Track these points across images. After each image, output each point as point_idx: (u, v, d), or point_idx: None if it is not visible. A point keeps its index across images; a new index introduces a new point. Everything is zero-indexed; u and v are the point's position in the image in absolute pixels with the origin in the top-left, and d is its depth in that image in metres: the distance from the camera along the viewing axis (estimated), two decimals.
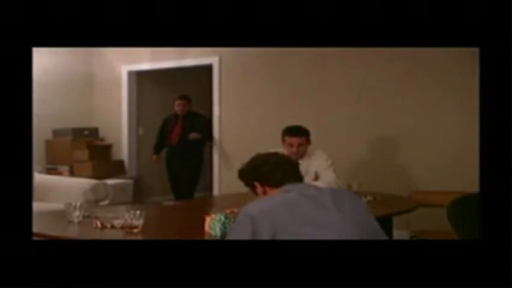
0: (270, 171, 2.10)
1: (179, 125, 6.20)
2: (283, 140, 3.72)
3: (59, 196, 4.80)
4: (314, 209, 1.89)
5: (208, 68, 6.39)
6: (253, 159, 2.22)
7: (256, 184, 2.14)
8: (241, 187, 3.47)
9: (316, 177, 3.65)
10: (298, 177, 2.13)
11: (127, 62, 7.02)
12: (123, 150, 7.15)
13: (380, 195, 3.63)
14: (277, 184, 2.07)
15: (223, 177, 6.22)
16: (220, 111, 6.25)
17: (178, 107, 6.23)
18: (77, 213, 2.68)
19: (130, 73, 7.08)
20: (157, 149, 6.46)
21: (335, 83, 5.43)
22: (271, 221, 1.83)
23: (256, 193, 2.16)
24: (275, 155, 2.24)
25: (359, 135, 5.24)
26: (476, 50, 2.01)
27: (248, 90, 6.05)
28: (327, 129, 5.20)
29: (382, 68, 5.12)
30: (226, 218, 2.39)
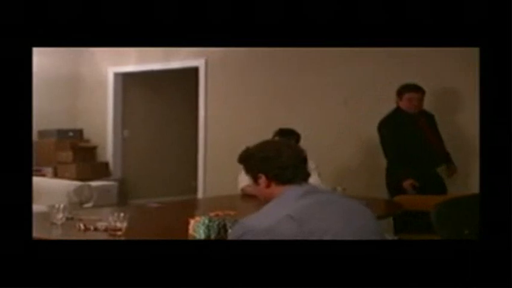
0: (281, 167, 1.88)
1: (430, 128, 4.18)
2: None
3: (42, 198, 4.73)
4: (318, 216, 1.78)
5: (194, 70, 6.33)
6: (263, 149, 1.95)
7: (261, 176, 1.90)
8: (225, 190, 3.45)
9: None
10: (306, 174, 1.95)
11: (113, 64, 6.98)
12: (108, 152, 7.12)
13: (364, 200, 3.63)
14: (284, 182, 1.87)
15: (208, 180, 6.19)
16: (205, 114, 6.21)
17: (412, 102, 4.07)
18: (60, 215, 2.65)
19: (116, 75, 7.05)
20: (407, 168, 4.00)
21: (322, 86, 5.37)
22: (274, 238, 1.69)
23: (257, 184, 1.92)
24: (287, 146, 2.01)
25: (346, 139, 5.18)
26: (476, 50, 2.01)
27: (234, 93, 6.01)
28: (314, 132, 5.12)
29: (370, 71, 5.06)
30: (210, 221, 2.37)
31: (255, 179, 1.92)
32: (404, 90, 4.09)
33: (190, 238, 2.38)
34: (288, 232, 1.68)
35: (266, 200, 1.90)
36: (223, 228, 2.38)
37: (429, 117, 4.21)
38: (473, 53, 2.18)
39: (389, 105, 4.88)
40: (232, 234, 1.87)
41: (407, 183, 3.92)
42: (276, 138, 3.75)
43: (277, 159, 1.89)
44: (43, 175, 6.48)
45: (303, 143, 3.96)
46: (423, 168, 3.99)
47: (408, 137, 4.01)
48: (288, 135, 3.78)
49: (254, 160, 1.93)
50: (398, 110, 4.13)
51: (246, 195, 3.63)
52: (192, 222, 2.42)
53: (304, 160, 1.97)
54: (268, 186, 1.89)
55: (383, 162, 4.95)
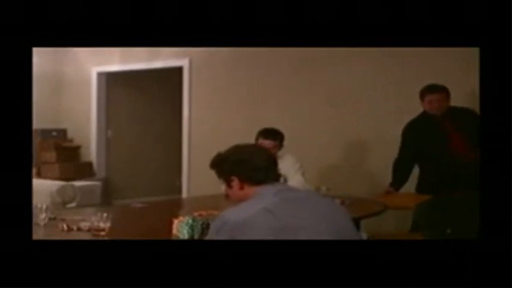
0: (254, 168, 1.94)
1: (454, 130, 3.88)
2: (256, 142, 3.77)
3: None
4: (295, 213, 1.82)
5: (178, 70, 6.30)
6: (235, 152, 2.02)
7: (234, 178, 1.96)
8: (210, 190, 3.42)
9: (285, 181, 3.68)
10: (277, 175, 2.01)
11: (96, 63, 6.95)
12: (92, 151, 7.10)
13: (348, 199, 3.65)
14: (257, 182, 1.93)
15: (192, 180, 6.18)
16: (190, 113, 6.20)
17: (432, 104, 3.90)
18: (43, 215, 2.62)
19: (99, 74, 7.02)
20: (403, 177, 4.08)
21: (307, 86, 5.35)
22: (252, 231, 1.73)
23: (230, 186, 1.98)
24: (258, 149, 2.13)
25: (332, 139, 5.16)
26: (476, 50, 2.01)
27: (218, 92, 5.99)
28: (299, 132, 5.11)
29: (354, 71, 5.03)
30: (194, 221, 2.36)
31: (228, 182, 1.99)
32: (424, 92, 3.93)
33: (173, 238, 2.37)
34: (265, 224, 1.74)
35: (241, 202, 1.94)
36: (206, 228, 2.36)
37: (461, 114, 3.89)
38: (473, 53, 2.17)
39: (376, 106, 4.90)
40: (212, 228, 1.91)
41: (387, 191, 4.01)
42: (260, 138, 3.78)
43: (250, 161, 1.95)
44: None
45: (288, 143, 3.98)
46: (441, 172, 3.82)
47: (427, 141, 3.89)
48: (272, 135, 3.80)
49: (227, 163, 1.99)
50: (423, 113, 3.98)
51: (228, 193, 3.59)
52: (175, 222, 2.41)
53: (274, 162, 2.04)
54: (241, 188, 1.96)
55: (368, 161, 4.97)
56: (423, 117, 3.95)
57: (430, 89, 3.91)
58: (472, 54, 2.26)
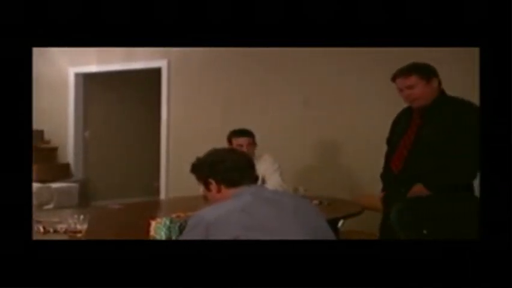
0: (227, 170, 2.00)
1: (413, 130, 2.94)
2: (231, 143, 3.76)
3: None
4: (269, 213, 1.85)
5: (156, 71, 6.27)
6: (210, 155, 2.10)
7: (211, 181, 2.02)
8: (188, 191, 3.40)
9: (263, 181, 3.71)
10: (254, 177, 2.06)
11: (74, 64, 6.92)
12: (69, 153, 7.07)
13: (326, 200, 3.65)
14: (233, 184, 1.99)
15: (170, 181, 6.17)
16: (168, 114, 6.19)
17: (401, 92, 2.93)
18: None
19: (76, 75, 6.97)
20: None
21: (285, 86, 5.33)
22: (226, 228, 1.77)
23: (209, 189, 2.05)
24: (233, 151, 2.17)
25: (307, 139, 5.15)
26: (476, 50, 2.01)
27: (197, 93, 5.97)
28: (276, 132, 5.12)
29: (331, 70, 5.02)
30: (171, 222, 2.34)
31: (206, 185, 2.05)
32: (393, 76, 2.96)
33: (152, 239, 2.35)
34: (239, 223, 1.78)
35: None
36: (184, 229, 2.34)
37: (448, 104, 2.86)
38: (473, 53, 2.17)
39: (356, 107, 4.87)
40: (188, 225, 1.94)
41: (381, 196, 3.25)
42: (234, 137, 3.77)
43: (223, 163, 2.01)
44: None
45: (267, 143, 3.97)
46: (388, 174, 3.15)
47: (392, 137, 3.12)
48: (245, 133, 3.79)
49: (203, 166, 2.07)
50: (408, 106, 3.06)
51: (207, 197, 3.55)
52: (153, 223, 2.39)
53: (250, 163, 2.09)
54: (219, 191, 2.01)
55: (344, 162, 4.96)
56: (405, 109, 3.08)
57: (397, 72, 2.93)
58: (472, 54, 2.26)
